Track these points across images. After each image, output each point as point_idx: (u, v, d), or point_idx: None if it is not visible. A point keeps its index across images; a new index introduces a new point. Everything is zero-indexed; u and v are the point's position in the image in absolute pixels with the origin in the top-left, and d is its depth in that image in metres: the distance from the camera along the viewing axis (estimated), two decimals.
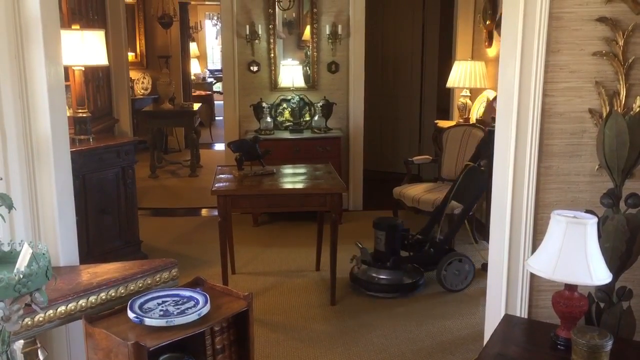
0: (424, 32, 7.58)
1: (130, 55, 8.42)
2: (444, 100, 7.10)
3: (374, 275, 4.19)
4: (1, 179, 2.36)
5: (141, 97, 8.98)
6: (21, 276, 1.55)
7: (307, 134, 5.79)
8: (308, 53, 6.11)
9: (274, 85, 6.04)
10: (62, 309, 2.16)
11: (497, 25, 5.13)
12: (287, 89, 5.96)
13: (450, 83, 5.74)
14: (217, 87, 13.16)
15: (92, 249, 4.16)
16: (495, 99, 3.71)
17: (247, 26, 5.84)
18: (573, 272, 1.94)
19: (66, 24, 4.19)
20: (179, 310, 2.18)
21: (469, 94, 5.79)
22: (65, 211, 2.65)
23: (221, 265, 3.92)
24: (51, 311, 2.12)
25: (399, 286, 4.16)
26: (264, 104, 5.84)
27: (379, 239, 4.21)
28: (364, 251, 4.20)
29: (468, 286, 4.23)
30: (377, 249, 4.22)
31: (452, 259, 4.20)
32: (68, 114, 3.04)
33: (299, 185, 4.08)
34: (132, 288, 2.37)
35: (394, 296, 4.11)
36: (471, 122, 5.54)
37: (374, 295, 4.12)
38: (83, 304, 2.22)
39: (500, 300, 2.55)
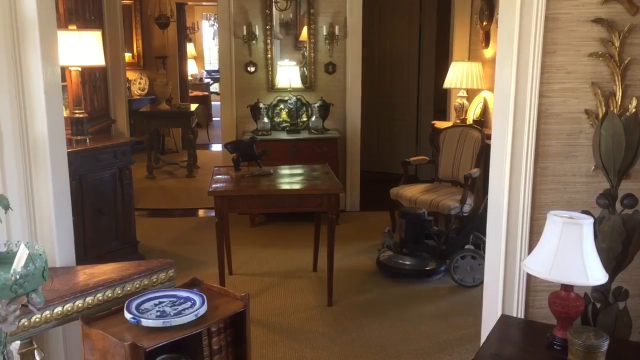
0: (420, 33, 7.59)
1: (127, 56, 8.42)
2: (441, 101, 7.10)
3: (398, 261, 4.50)
4: None
5: (138, 97, 8.97)
6: (18, 277, 1.55)
7: (304, 135, 5.79)
8: (305, 54, 6.11)
9: (271, 86, 6.04)
10: (58, 309, 2.15)
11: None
12: (284, 90, 5.96)
13: (447, 84, 5.75)
14: (214, 87, 13.15)
15: (88, 249, 4.16)
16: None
17: (244, 27, 5.84)
18: (569, 273, 1.94)
19: (63, 24, 4.19)
20: (176, 311, 2.18)
21: (465, 95, 5.80)
22: (62, 212, 2.65)
23: (218, 266, 3.91)
24: (48, 312, 2.12)
25: (418, 271, 4.45)
26: (261, 105, 5.84)
27: (401, 226, 4.50)
28: (386, 236, 4.49)
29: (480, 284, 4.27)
30: (401, 236, 4.52)
31: (465, 254, 4.31)
32: (65, 115, 3.04)
33: (296, 186, 4.08)
34: (129, 289, 2.37)
35: (415, 280, 4.39)
36: (468, 123, 5.55)
37: (398, 280, 4.40)
38: (80, 305, 2.21)
39: (496, 301, 2.56)
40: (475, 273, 4.30)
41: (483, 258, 4.21)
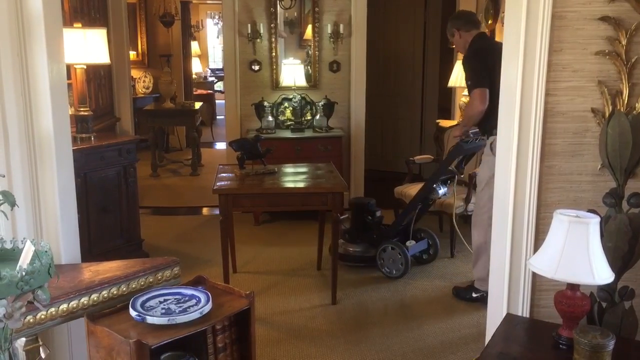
0: (425, 31, 7.58)
1: (132, 54, 8.41)
2: (445, 99, 7.09)
3: (348, 248, 4.66)
4: (4, 176, 2.37)
5: (142, 95, 8.98)
6: (24, 274, 1.55)
7: (308, 133, 5.79)
8: (309, 52, 6.11)
9: (275, 84, 6.04)
10: (64, 306, 2.16)
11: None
12: (289, 88, 5.96)
13: (451, 82, 5.74)
14: (219, 86, 13.16)
15: (93, 247, 4.16)
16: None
17: (249, 25, 5.84)
18: (575, 272, 1.94)
19: (68, 22, 4.19)
20: (180, 309, 2.18)
21: None
22: (67, 209, 2.65)
23: (222, 264, 3.92)
24: (53, 309, 2.12)
25: (362, 258, 4.59)
26: (265, 103, 5.84)
27: (349, 215, 4.67)
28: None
29: (402, 275, 4.38)
30: (350, 224, 4.72)
31: (386, 245, 4.42)
32: (70, 113, 3.04)
33: (300, 185, 4.08)
34: (134, 286, 2.37)
35: (361, 265, 4.57)
36: None
37: (348, 264, 4.57)
38: (85, 302, 2.22)
39: (502, 300, 2.55)
40: (397, 264, 4.38)
41: (401, 249, 4.34)
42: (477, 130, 4.06)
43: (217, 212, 4.66)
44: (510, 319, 2.35)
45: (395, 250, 4.38)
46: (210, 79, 13.77)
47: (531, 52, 2.34)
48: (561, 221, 1.98)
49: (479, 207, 3.94)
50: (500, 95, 2.51)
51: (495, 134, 3.61)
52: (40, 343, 2.24)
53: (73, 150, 2.80)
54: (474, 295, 3.93)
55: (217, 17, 14.76)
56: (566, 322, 2.06)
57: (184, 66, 9.94)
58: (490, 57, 3.72)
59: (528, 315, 2.51)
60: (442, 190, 4.47)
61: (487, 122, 3.81)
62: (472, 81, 3.85)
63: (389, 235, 4.52)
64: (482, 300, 3.75)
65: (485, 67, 3.76)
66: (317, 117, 5.90)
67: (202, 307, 2.17)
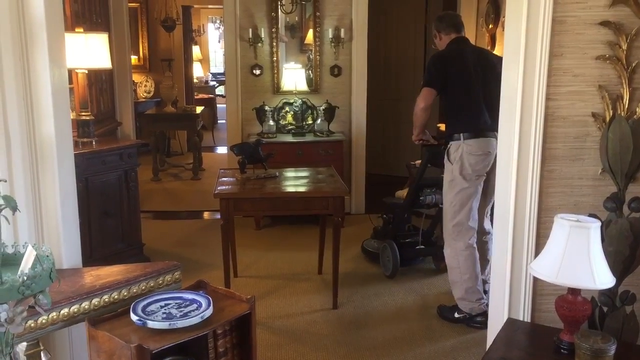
0: (426, 36, 7.59)
1: (133, 59, 8.45)
2: None
3: (374, 245, 4.83)
4: (5, 181, 2.37)
5: (144, 100, 9.00)
6: (25, 278, 1.55)
7: (309, 138, 5.80)
8: (311, 56, 6.12)
9: (276, 89, 6.05)
10: (65, 311, 2.16)
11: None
12: (290, 93, 5.97)
13: None
14: (220, 90, 13.17)
15: (94, 251, 4.16)
16: None
17: (250, 30, 5.85)
18: (576, 276, 1.94)
19: (70, 27, 4.20)
20: (181, 313, 2.18)
21: None
22: (68, 213, 2.66)
23: (223, 269, 3.91)
24: (54, 313, 2.12)
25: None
26: (266, 107, 5.85)
27: None
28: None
29: (391, 274, 4.43)
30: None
31: (385, 244, 4.52)
32: (71, 117, 3.05)
33: (302, 189, 4.08)
34: (135, 291, 2.37)
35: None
36: None
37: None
38: (86, 307, 2.22)
39: (503, 304, 2.55)
40: (389, 264, 4.44)
41: (392, 250, 4.38)
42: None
43: (218, 216, 4.67)
44: (511, 324, 2.35)
45: (388, 249, 4.43)
46: (212, 83, 13.79)
47: (532, 56, 2.34)
48: (562, 225, 1.98)
49: (444, 215, 3.81)
50: (501, 100, 2.51)
51: (455, 139, 3.67)
52: (42, 347, 2.24)
53: (74, 154, 2.81)
54: (456, 315, 3.74)
55: (218, 21, 14.80)
56: (567, 327, 2.06)
57: (185, 70, 9.96)
58: (459, 62, 3.75)
59: (529, 320, 2.51)
60: (430, 198, 4.38)
61: (449, 127, 3.81)
62: (423, 80, 3.86)
63: (389, 235, 4.57)
64: (465, 321, 3.71)
65: (443, 72, 3.75)
66: (318, 121, 5.91)
67: (203, 312, 2.17)
